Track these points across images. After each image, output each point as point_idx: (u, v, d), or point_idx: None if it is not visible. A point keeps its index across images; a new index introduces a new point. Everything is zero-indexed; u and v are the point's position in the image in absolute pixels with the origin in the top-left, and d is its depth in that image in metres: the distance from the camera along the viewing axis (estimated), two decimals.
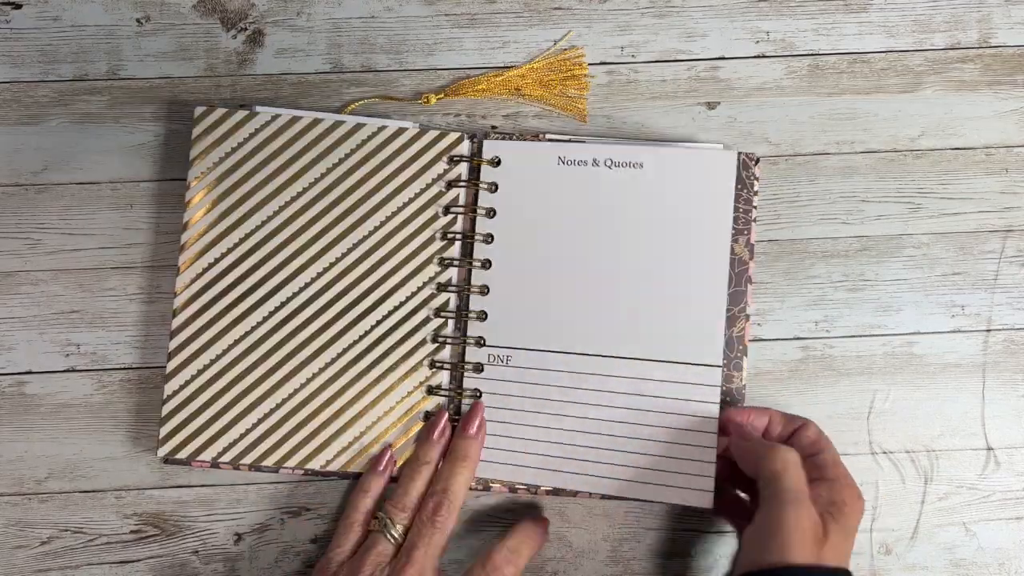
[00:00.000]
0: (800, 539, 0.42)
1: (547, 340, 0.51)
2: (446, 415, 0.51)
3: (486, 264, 0.52)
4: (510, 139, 0.53)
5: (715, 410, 0.50)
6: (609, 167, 0.52)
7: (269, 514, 0.52)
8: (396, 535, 0.48)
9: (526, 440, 0.51)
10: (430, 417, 0.51)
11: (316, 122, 0.52)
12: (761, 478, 0.45)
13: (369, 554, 0.47)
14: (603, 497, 0.51)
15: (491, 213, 0.52)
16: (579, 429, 0.51)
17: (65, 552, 0.52)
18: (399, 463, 0.51)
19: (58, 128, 0.54)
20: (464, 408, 0.51)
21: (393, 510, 0.49)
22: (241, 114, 0.52)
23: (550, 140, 0.53)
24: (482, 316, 0.52)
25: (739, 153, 0.52)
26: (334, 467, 0.51)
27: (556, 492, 0.51)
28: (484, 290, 0.52)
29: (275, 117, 0.52)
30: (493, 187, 0.52)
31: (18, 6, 0.54)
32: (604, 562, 0.53)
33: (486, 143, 0.52)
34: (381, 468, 0.50)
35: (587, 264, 0.52)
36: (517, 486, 0.51)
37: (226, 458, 0.51)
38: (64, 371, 0.53)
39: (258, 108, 0.52)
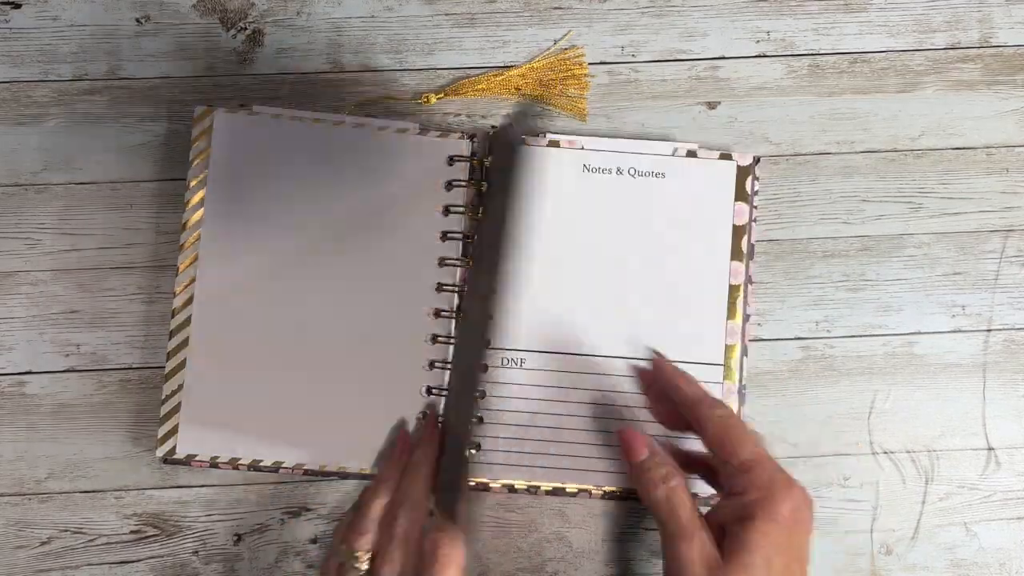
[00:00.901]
0: (690, 572, 0.40)
1: (552, 342, 0.51)
2: (406, 437, 0.50)
3: None
4: (535, 144, 0.53)
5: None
6: (632, 175, 0.52)
7: (269, 514, 0.52)
8: (362, 561, 0.44)
9: (532, 440, 0.51)
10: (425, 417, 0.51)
11: (316, 122, 0.52)
12: (650, 509, 0.44)
13: None
14: (603, 497, 0.51)
15: None
16: (584, 428, 0.51)
17: (65, 552, 0.52)
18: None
19: (58, 128, 0.54)
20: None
21: (351, 535, 0.45)
22: (237, 113, 0.52)
23: (551, 140, 0.53)
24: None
25: (755, 157, 0.53)
26: (332, 467, 0.51)
27: (556, 492, 0.51)
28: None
29: (275, 117, 0.52)
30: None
31: (18, 6, 0.54)
32: (604, 562, 0.53)
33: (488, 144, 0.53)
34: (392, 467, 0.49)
35: (591, 266, 0.52)
36: (518, 485, 0.51)
37: (224, 457, 0.50)
38: (64, 371, 0.53)
39: (257, 108, 0.52)
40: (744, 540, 0.40)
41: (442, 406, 0.51)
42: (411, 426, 0.51)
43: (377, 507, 0.46)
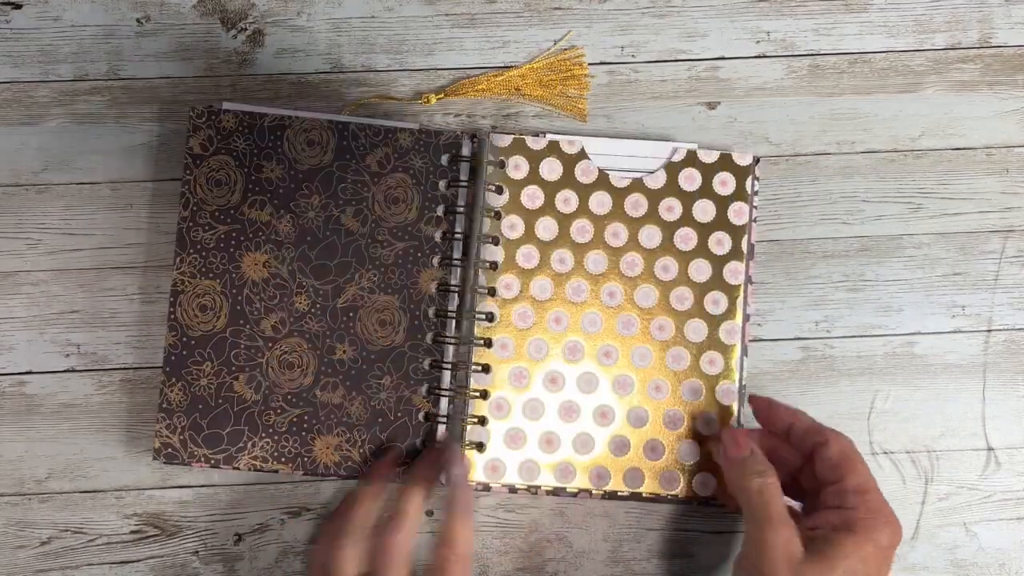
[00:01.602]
0: (773, 557, 0.43)
1: (555, 341, 0.52)
2: (395, 451, 0.50)
3: (493, 266, 0.52)
4: (514, 140, 0.53)
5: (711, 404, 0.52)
6: (619, 173, 0.52)
7: (269, 514, 0.52)
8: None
9: (532, 439, 0.51)
10: (430, 418, 0.51)
11: (316, 122, 0.52)
12: (740, 498, 0.46)
13: None
14: (603, 497, 0.51)
15: (497, 215, 0.52)
16: (584, 428, 0.51)
17: (65, 552, 0.52)
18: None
19: (58, 128, 0.54)
20: (470, 408, 0.51)
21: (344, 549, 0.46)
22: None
23: (552, 140, 0.53)
24: (490, 317, 0.52)
25: (755, 156, 0.53)
26: (332, 467, 0.51)
27: (555, 492, 0.51)
28: (491, 292, 0.52)
29: (275, 117, 0.52)
30: (499, 189, 0.52)
31: (18, 6, 0.54)
32: (604, 562, 0.53)
33: (492, 144, 0.52)
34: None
35: (591, 266, 0.52)
36: (518, 485, 0.51)
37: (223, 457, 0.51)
38: (64, 371, 0.53)
39: (257, 106, 0.52)
40: (837, 545, 0.43)
41: (474, 387, 0.51)
42: (405, 434, 0.51)
43: (361, 518, 0.47)
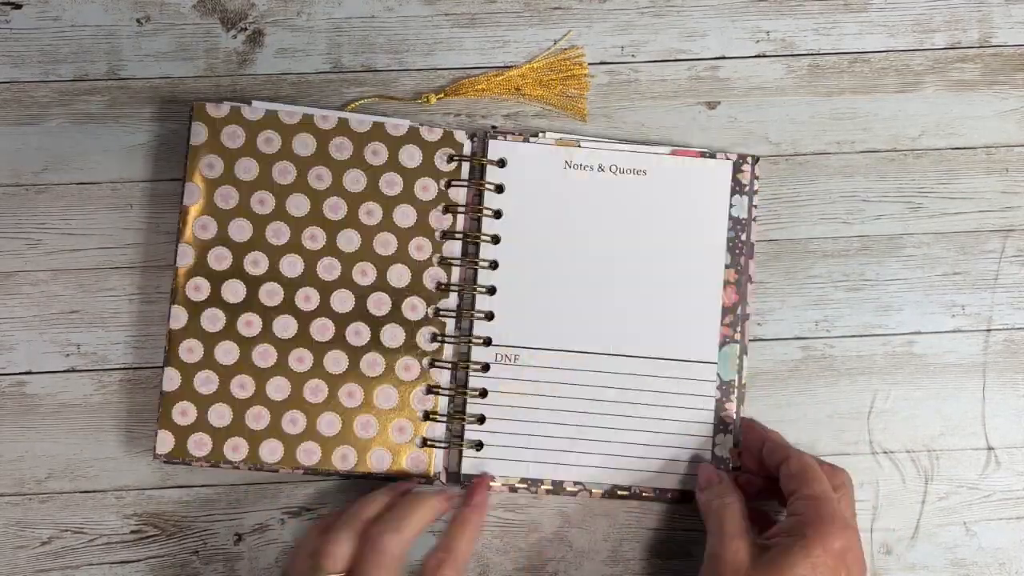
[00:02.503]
0: (719, 569, 0.44)
1: (552, 339, 0.52)
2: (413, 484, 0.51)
3: (493, 265, 0.52)
4: (515, 140, 0.53)
5: (711, 403, 0.52)
6: (615, 172, 0.52)
7: (269, 514, 0.52)
8: None
9: (531, 436, 0.51)
10: (429, 417, 0.51)
11: (316, 119, 0.52)
12: (705, 518, 0.48)
13: None
14: (603, 496, 0.51)
15: (498, 214, 0.52)
16: (583, 424, 0.51)
17: (65, 552, 0.52)
18: (396, 468, 0.51)
19: (58, 128, 0.54)
20: (469, 408, 0.51)
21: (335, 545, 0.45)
22: (240, 110, 0.52)
23: (554, 140, 0.53)
24: (489, 316, 0.52)
25: (738, 157, 0.53)
26: (331, 466, 0.51)
27: (555, 491, 0.51)
28: (492, 290, 0.52)
29: (275, 115, 0.52)
30: (499, 188, 0.52)
31: (18, 6, 0.54)
32: (604, 562, 0.53)
33: (492, 144, 0.53)
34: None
35: (591, 265, 0.52)
36: (519, 485, 0.51)
37: (221, 455, 0.51)
38: (64, 371, 0.53)
39: (256, 104, 0.52)
40: (786, 552, 0.44)
41: (473, 387, 0.51)
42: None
43: (362, 513, 0.47)
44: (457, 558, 0.46)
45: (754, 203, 0.53)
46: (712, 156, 0.53)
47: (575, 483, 0.51)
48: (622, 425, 0.52)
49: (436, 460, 0.51)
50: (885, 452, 0.53)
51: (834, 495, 0.46)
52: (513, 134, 0.53)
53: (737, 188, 0.53)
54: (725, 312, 0.52)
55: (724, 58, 0.55)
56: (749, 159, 0.53)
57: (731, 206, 0.53)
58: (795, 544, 0.44)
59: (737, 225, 0.52)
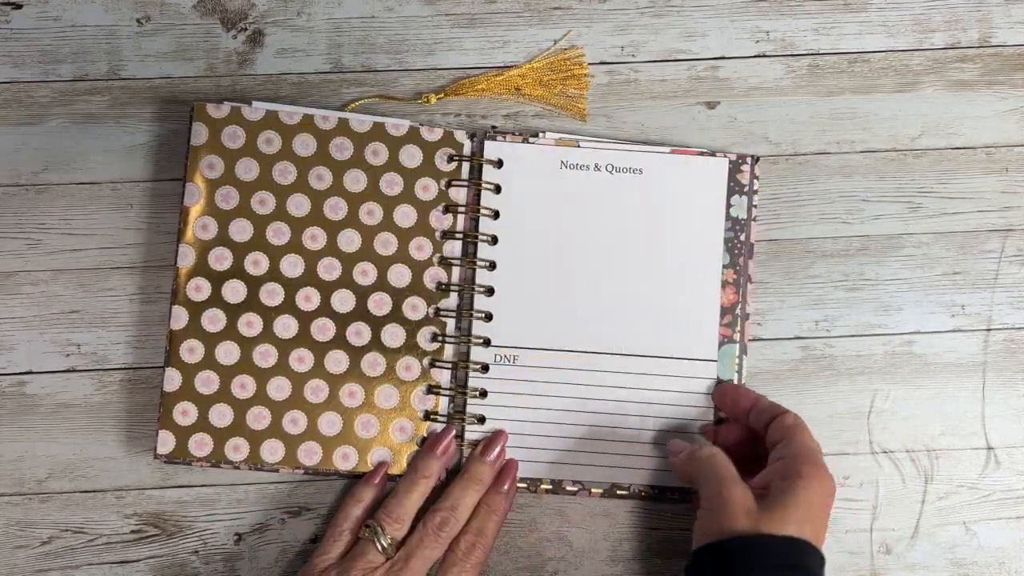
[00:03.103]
0: (730, 512, 0.44)
1: (551, 339, 0.52)
2: (452, 432, 0.51)
3: (492, 265, 0.52)
4: (512, 140, 0.53)
5: (710, 401, 0.52)
6: (610, 172, 0.52)
7: (269, 514, 0.52)
8: (386, 545, 0.48)
9: (530, 436, 0.51)
10: (430, 417, 0.51)
11: (316, 119, 0.52)
12: (693, 476, 0.48)
13: (358, 561, 0.47)
14: (603, 496, 0.52)
15: (496, 214, 0.52)
16: (583, 423, 0.52)
17: (65, 552, 0.52)
18: (397, 470, 0.51)
19: (58, 128, 0.54)
20: (469, 409, 0.51)
21: (387, 520, 0.49)
22: (240, 110, 0.52)
23: (552, 140, 0.53)
24: (488, 317, 0.52)
25: (737, 157, 0.53)
26: (332, 466, 0.51)
27: (555, 491, 0.51)
28: (490, 291, 0.52)
29: (274, 115, 0.52)
30: (496, 188, 0.52)
31: (18, 6, 0.54)
32: (604, 562, 0.53)
33: (489, 144, 0.53)
34: (376, 480, 0.51)
35: (589, 265, 0.52)
36: (518, 485, 0.51)
37: (222, 455, 0.51)
38: (64, 371, 0.53)
39: (256, 104, 0.52)
40: (788, 492, 0.44)
41: (472, 387, 0.51)
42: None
43: (412, 501, 0.49)
44: (487, 542, 0.49)
45: (754, 203, 0.53)
46: (712, 155, 0.53)
47: (574, 482, 0.51)
48: (620, 424, 0.52)
49: None
50: (885, 452, 0.53)
51: (820, 448, 0.47)
52: (512, 134, 0.53)
53: (736, 188, 0.53)
54: (724, 312, 0.52)
55: (724, 58, 0.55)
56: (749, 159, 0.53)
57: (730, 206, 0.53)
58: (796, 483, 0.44)
59: (736, 225, 0.52)
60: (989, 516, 0.53)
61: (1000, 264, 0.54)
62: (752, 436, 0.50)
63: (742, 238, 0.52)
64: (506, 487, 0.50)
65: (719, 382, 0.52)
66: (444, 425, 0.51)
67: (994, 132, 0.55)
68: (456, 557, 0.48)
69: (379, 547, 0.48)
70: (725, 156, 0.53)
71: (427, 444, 0.51)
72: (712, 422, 0.52)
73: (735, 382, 0.52)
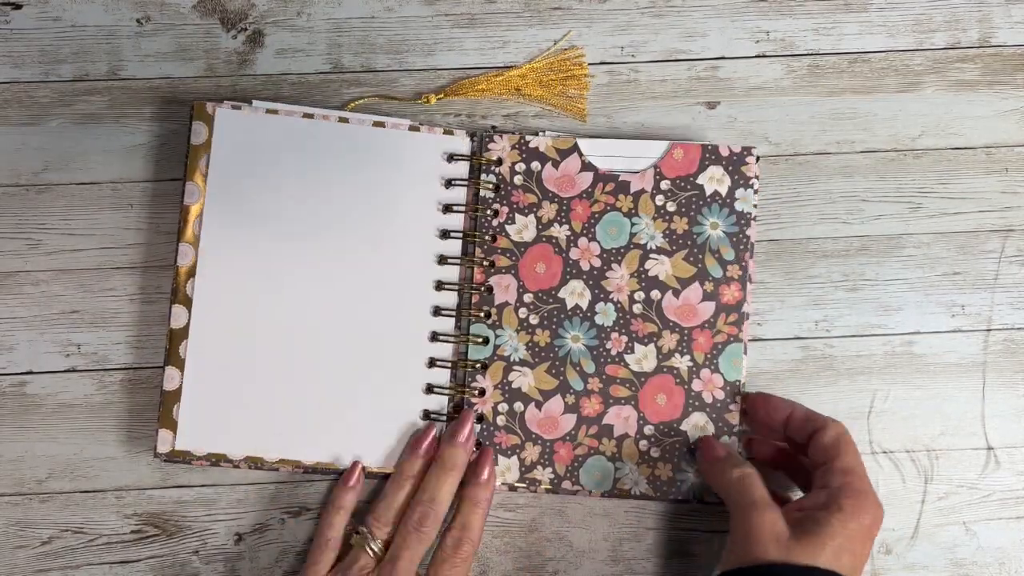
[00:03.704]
0: (760, 538, 0.43)
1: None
2: (434, 432, 0.51)
3: (491, 264, 0.52)
4: (512, 139, 0.53)
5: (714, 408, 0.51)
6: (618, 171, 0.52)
7: (269, 514, 0.52)
8: (377, 549, 0.48)
9: (526, 438, 0.51)
10: (429, 416, 0.51)
11: (316, 119, 0.52)
12: (723, 494, 0.48)
13: (351, 568, 0.48)
14: (603, 496, 0.52)
15: (495, 213, 0.52)
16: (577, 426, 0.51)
17: (65, 552, 0.52)
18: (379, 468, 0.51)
19: (58, 128, 0.54)
20: (466, 406, 0.51)
21: (375, 524, 0.49)
22: (239, 110, 0.52)
23: (548, 138, 0.53)
24: (487, 315, 0.52)
25: (742, 149, 0.52)
26: (332, 465, 0.51)
27: (555, 491, 0.51)
28: (489, 289, 0.52)
29: (274, 114, 0.52)
30: (497, 187, 0.52)
31: (18, 6, 0.54)
32: (604, 562, 0.53)
33: (489, 143, 0.52)
34: (352, 482, 0.50)
35: (590, 265, 0.52)
36: (518, 485, 0.51)
37: (223, 455, 0.51)
38: (64, 371, 0.53)
39: (256, 103, 0.52)
40: (824, 524, 0.43)
41: (477, 405, 0.51)
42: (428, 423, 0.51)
43: (399, 501, 0.49)
44: (473, 535, 0.49)
45: (754, 203, 0.52)
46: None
47: (574, 483, 0.51)
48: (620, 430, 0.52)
49: None
50: (885, 452, 0.53)
51: (865, 468, 0.46)
52: (512, 134, 0.53)
53: (742, 181, 0.52)
54: (729, 310, 0.52)
55: (724, 58, 0.55)
56: (753, 151, 0.52)
57: (735, 199, 0.52)
58: (834, 517, 0.43)
59: (741, 219, 0.52)
60: (989, 516, 0.53)
61: (1000, 264, 0.54)
62: (791, 444, 0.50)
63: (747, 232, 0.52)
64: (484, 476, 0.50)
65: (740, 391, 0.51)
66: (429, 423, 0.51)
67: (994, 132, 0.55)
68: (444, 554, 0.48)
69: (370, 552, 0.48)
70: (727, 146, 0.52)
71: (410, 445, 0.51)
72: (720, 430, 0.51)
73: (741, 383, 0.51)
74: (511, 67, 0.55)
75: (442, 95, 0.54)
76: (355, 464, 0.51)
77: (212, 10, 0.55)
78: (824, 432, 0.47)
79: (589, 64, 0.55)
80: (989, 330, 0.54)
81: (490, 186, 0.52)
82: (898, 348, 0.54)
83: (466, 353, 0.52)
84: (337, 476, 0.52)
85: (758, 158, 0.53)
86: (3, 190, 0.53)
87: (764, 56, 0.55)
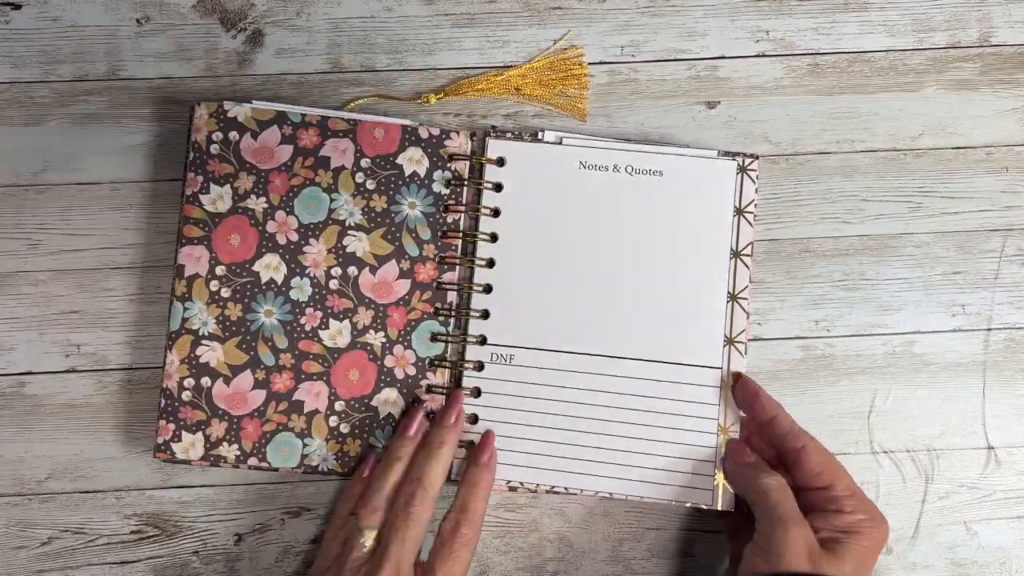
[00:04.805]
0: (794, 552, 0.44)
1: (550, 339, 0.51)
2: (421, 413, 0.51)
3: (490, 263, 0.52)
4: (513, 138, 0.53)
5: (714, 411, 0.51)
6: (630, 173, 0.52)
7: (269, 514, 0.52)
8: (369, 537, 0.47)
9: (525, 439, 0.51)
10: (429, 416, 0.51)
11: (315, 118, 0.52)
12: (751, 499, 0.48)
13: (346, 560, 0.47)
14: (603, 496, 0.51)
15: (496, 213, 0.52)
16: (580, 429, 0.51)
17: (65, 552, 0.52)
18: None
19: (58, 128, 0.54)
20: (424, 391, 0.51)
21: (363, 511, 0.48)
22: (240, 109, 0.52)
23: (552, 139, 0.53)
24: (485, 315, 0.52)
25: (739, 156, 0.52)
26: (326, 465, 0.51)
27: (555, 491, 0.51)
28: (488, 289, 0.52)
29: (274, 113, 0.52)
30: (498, 187, 0.52)
31: (18, 6, 0.54)
32: (604, 562, 0.53)
33: (491, 142, 0.52)
34: (365, 474, 0.50)
35: (591, 265, 0.52)
36: (516, 485, 0.51)
37: (223, 455, 0.51)
38: (64, 371, 0.53)
39: (257, 103, 0.52)
40: (846, 546, 0.46)
41: (466, 386, 0.51)
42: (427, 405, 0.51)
43: (390, 483, 0.48)
44: (473, 517, 0.48)
45: (752, 204, 0.53)
46: (730, 155, 0.52)
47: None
48: (615, 431, 0.51)
49: None
50: (885, 452, 0.53)
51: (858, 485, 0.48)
52: (512, 133, 0.53)
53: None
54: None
55: (724, 58, 0.55)
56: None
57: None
58: (854, 541, 0.46)
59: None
60: (989, 516, 0.53)
61: (1000, 264, 0.54)
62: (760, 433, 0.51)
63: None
64: (485, 458, 0.50)
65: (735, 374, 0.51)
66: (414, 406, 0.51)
67: (994, 132, 0.55)
68: (441, 539, 0.47)
69: (362, 540, 0.47)
70: (734, 157, 0.52)
71: (399, 428, 0.50)
72: (716, 432, 0.51)
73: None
74: (511, 67, 0.55)
75: (442, 95, 0.54)
76: (369, 458, 0.50)
77: (212, 10, 0.55)
78: (808, 456, 0.48)
79: (589, 64, 0.55)
80: (989, 329, 0.54)
81: (491, 186, 0.52)
82: (898, 348, 0.54)
83: (463, 352, 0.52)
84: (340, 477, 0.52)
85: (756, 157, 0.53)
86: (3, 190, 0.53)
87: (764, 56, 0.55)
